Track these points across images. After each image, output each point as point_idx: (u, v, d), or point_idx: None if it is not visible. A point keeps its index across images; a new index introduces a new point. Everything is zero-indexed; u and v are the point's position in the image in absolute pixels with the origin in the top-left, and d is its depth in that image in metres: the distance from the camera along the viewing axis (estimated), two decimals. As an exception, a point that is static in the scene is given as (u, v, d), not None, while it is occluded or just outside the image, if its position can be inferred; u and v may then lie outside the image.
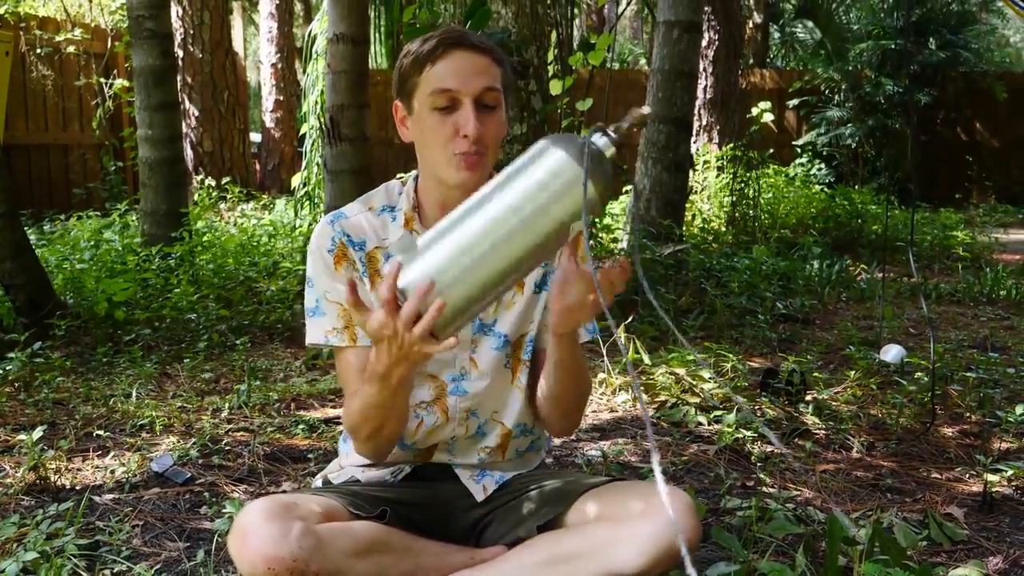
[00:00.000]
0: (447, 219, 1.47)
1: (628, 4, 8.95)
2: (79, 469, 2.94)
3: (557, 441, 3.24)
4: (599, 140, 1.49)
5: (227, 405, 3.56)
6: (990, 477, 2.87)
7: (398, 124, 1.85)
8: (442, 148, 1.74)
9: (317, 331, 1.85)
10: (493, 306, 1.88)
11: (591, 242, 1.53)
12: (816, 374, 4.01)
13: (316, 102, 7.68)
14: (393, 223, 1.86)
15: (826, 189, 10.61)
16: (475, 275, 1.43)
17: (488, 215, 1.44)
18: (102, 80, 9.97)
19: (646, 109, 1.51)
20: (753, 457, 3.09)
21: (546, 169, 1.44)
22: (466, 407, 1.89)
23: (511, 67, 1.83)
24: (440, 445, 1.93)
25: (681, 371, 3.88)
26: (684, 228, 6.88)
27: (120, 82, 9.79)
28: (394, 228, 1.86)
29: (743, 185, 8.46)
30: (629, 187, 7.96)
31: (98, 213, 8.12)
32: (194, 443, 3.13)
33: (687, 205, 7.60)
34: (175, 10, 10.14)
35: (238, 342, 4.42)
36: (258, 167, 12.53)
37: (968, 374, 4.01)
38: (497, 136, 1.77)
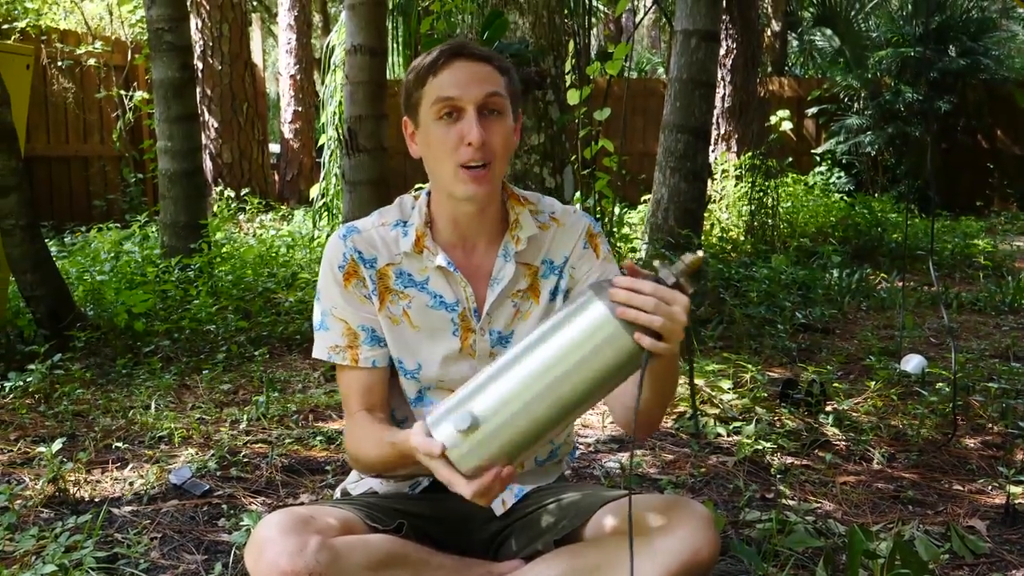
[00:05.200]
0: (490, 368, 1.48)
1: (646, 13, 8.94)
2: (98, 481, 2.95)
3: (576, 453, 3.22)
4: None
5: (245, 417, 3.57)
6: (1013, 489, 2.84)
7: (407, 140, 1.85)
8: (447, 159, 1.74)
9: (321, 346, 1.86)
10: (511, 316, 1.88)
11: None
12: (836, 384, 3.99)
13: (334, 113, 7.71)
14: (404, 238, 1.86)
15: (845, 198, 10.55)
16: (514, 429, 1.44)
17: (531, 367, 1.44)
18: (122, 92, 10.03)
19: (700, 253, 1.49)
20: (773, 469, 3.07)
21: (588, 323, 1.44)
22: None
23: (518, 75, 1.82)
24: None
25: (700, 382, 3.86)
26: (703, 237, 6.86)
27: (140, 94, 9.85)
28: (404, 243, 1.86)
29: (762, 194, 8.43)
30: (647, 196, 7.94)
31: (118, 225, 8.16)
32: (212, 455, 3.13)
33: (705, 214, 7.58)
34: (194, 22, 10.20)
35: (256, 353, 4.43)
36: (277, 178, 12.58)
37: (990, 384, 3.98)
38: (505, 144, 1.77)
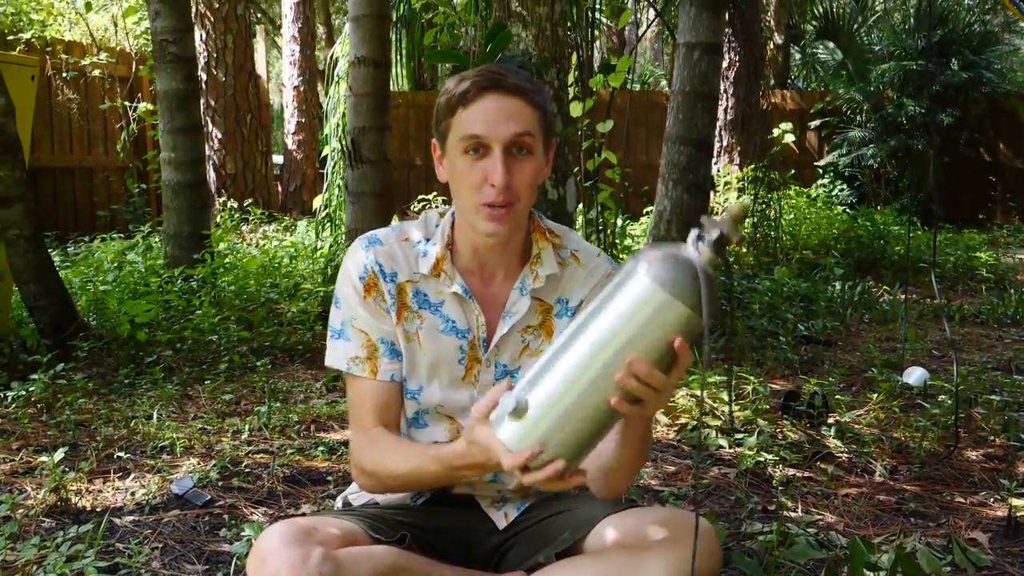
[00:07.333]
0: (540, 362, 1.45)
1: (649, 26, 8.94)
2: (100, 491, 2.95)
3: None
4: (693, 252, 1.41)
5: (247, 427, 3.57)
6: (1015, 501, 2.84)
7: (435, 163, 1.82)
8: (471, 195, 1.71)
9: (339, 355, 1.82)
10: (519, 351, 1.85)
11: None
12: (838, 396, 3.99)
13: (338, 124, 7.71)
14: (424, 258, 1.82)
15: (848, 210, 10.56)
16: (574, 424, 1.41)
17: (580, 356, 1.41)
18: (126, 103, 10.06)
19: (744, 201, 1.47)
20: (774, 480, 3.07)
21: (633, 299, 1.39)
22: None
23: (549, 103, 1.77)
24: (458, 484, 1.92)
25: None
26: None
27: (144, 105, 9.88)
28: (423, 263, 1.82)
29: (764, 206, 8.44)
30: (650, 208, 7.96)
31: (121, 235, 8.18)
32: (214, 465, 3.13)
33: (708, 226, 7.57)
34: (199, 34, 10.23)
35: (259, 363, 4.44)
36: (280, 189, 12.59)
37: (992, 397, 3.98)
38: (531, 182, 1.73)
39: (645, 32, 9.18)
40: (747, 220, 8.25)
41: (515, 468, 1.43)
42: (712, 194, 8.48)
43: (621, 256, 6.38)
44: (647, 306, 1.38)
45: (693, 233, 1.42)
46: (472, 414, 1.51)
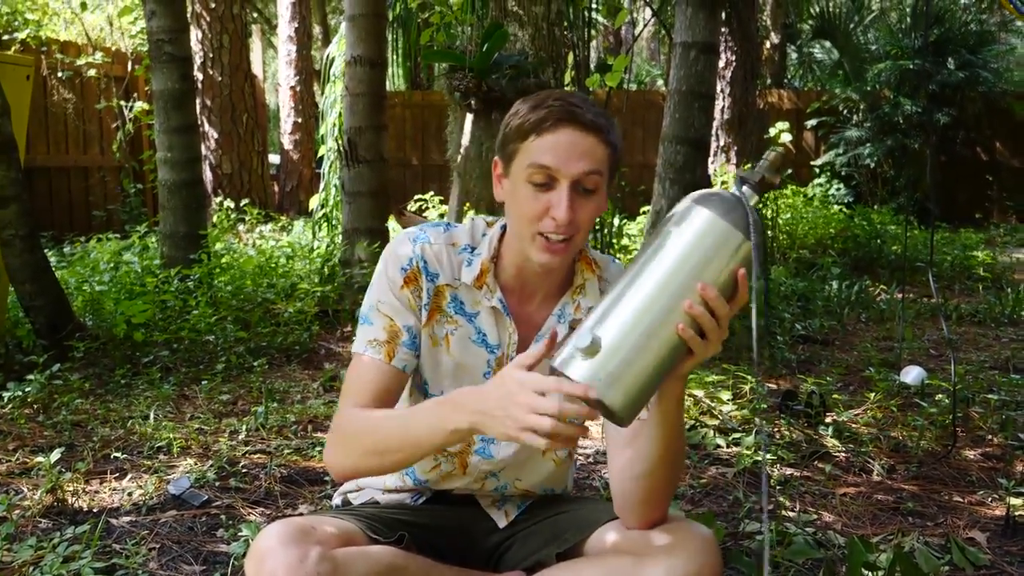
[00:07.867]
0: (604, 304, 1.44)
1: (645, 25, 8.95)
2: (96, 491, 2.94)
3: (576, 464, 3.22)
4: (740, 193, 1.48)
5: (244, 427, 3.56)
6: (1013, 500, 2.84)
7: (494, 180, 1.78)
8: (529, 224, 1.68)
9: (361, 339, 1.78)
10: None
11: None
12: (835, 396, 3.99)
13: (334, 124, 7.72)
14: (467, 267, 1.80)
15: (845, 209, 10.57)
16: (644, 358, 1.41)
17: (648, 289, 1.42)
18: (122, 103, 10.04)
19: (780, 148, 1.51)
20: (772, 480, 3.07)
21: (696, 231, 1.43)
22: (487, 469, 1.87)
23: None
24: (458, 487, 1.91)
25: (699, 393, 3.86)
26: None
27: (140, 105, 9.87)
28: (467, 273, 1.79)
29: (761, 205, 8.44)
30: (647, 208, 7.95)
31: (118, 235, 8.16)
32: (211, 465, 3.13)
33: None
34: (195, 33, 10.22)
35: (256, 364, 4.43)
36: (276, 189, 12.58)
37: (990, 396, 3.98)
38: (592, 219, 1.70)
39: (641, 32, 9.18)
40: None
41: (575, 394, 1.37)
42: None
43: (617, 255, 6.37)
44: (709, 237, 1.43)
45: (738, 178, 1.49)
46: (515, 362, 1.44)
